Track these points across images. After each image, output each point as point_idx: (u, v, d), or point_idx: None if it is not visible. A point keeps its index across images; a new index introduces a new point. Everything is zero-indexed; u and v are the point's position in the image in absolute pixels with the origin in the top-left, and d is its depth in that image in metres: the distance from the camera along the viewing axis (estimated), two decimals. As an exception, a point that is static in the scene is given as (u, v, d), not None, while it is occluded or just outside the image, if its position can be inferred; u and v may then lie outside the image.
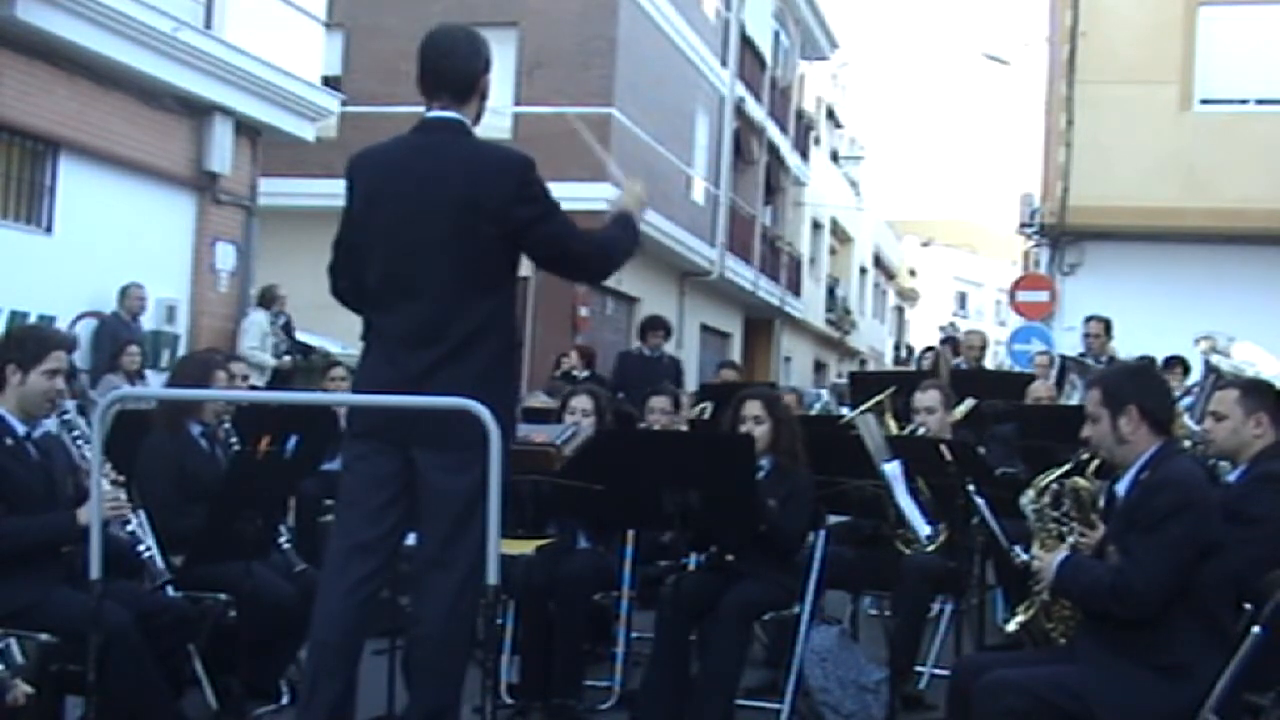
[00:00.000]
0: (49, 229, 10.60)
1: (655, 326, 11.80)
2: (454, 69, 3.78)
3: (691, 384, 14.48)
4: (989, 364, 21.91)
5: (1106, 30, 14.85)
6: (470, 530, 3.57)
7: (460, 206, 3.64)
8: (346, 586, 3.68)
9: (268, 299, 12.14)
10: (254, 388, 9.71)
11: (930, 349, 15.44)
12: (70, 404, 4.24)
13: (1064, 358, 9.85)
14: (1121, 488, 3.71)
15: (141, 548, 4.29)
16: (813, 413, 11.22)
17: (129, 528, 4.25)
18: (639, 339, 12.06)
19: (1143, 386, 3.77)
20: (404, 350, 3.68)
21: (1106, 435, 3.70)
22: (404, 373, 3.65)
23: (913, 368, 15.60)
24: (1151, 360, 9.24)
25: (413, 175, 3.70)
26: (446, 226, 3.64)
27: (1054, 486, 3.89)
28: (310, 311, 13.24)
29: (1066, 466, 3.89)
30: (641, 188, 4.06)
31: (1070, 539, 3.84)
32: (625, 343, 17.12)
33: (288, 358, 11.84)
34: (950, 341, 14.22)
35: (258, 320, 11.90)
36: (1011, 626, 3.92)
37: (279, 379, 11.64)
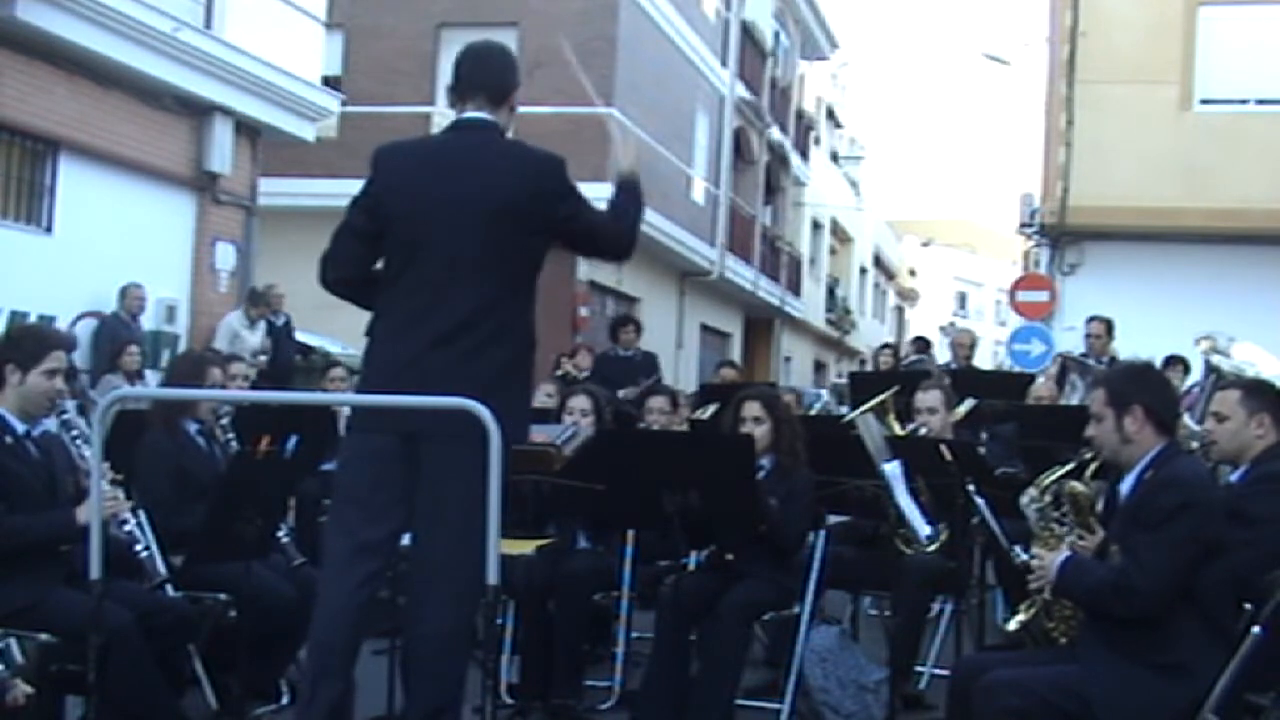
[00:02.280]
0: (49, 229, 10.60)
1: (625, 323, 11.71)
2: (491, 73, 3.83)
3: (692, 384, 14.47)
4: (989, 364, 21.91)
5: (1106, 30, 14.85)
6: (472, 529, 3.56)
7: (498, 203, 3.65)
8: (349, 587, 3.67)
9: (255, 299, 11.99)
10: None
11: (886, 346, 15.39)
12: (70, 404, 4.24)
13: (1064, 357, 9.83)
14: (1125, 487, 3.71)
15: (139, 547, 4.28)
16: (812, 413, 11.21)
17: (126, 527, 4.24)
18: (610, 339, 11.85)
19: (1148, 386, 3.77)
20: (428, 345, 3.66)
21: (1111, 435, 3.69)
22: (426, 367, 3.63)
23: (869, 367, 15.42)
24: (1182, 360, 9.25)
25: (447, 171, 3.70)
26: (482, 223, 3.65)
27: (1054, 487, 3.88)
28: (310, 311, 13.23)
29: (1070, 466, 3.88)
30: (633, 153, 4.08)
31: (1069, 539, 3.84)
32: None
33: (263, 357, 11.65)
34: (920, 341, 14.16)
35: (228, 323, 11.77)
36: (1012, 626, 3.92)
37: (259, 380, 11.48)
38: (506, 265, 3.71)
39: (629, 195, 3.95)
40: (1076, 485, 3.86)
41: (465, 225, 3.65)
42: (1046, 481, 3.89)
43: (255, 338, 11.71)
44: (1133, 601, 3.45)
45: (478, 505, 3.51)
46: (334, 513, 3.88)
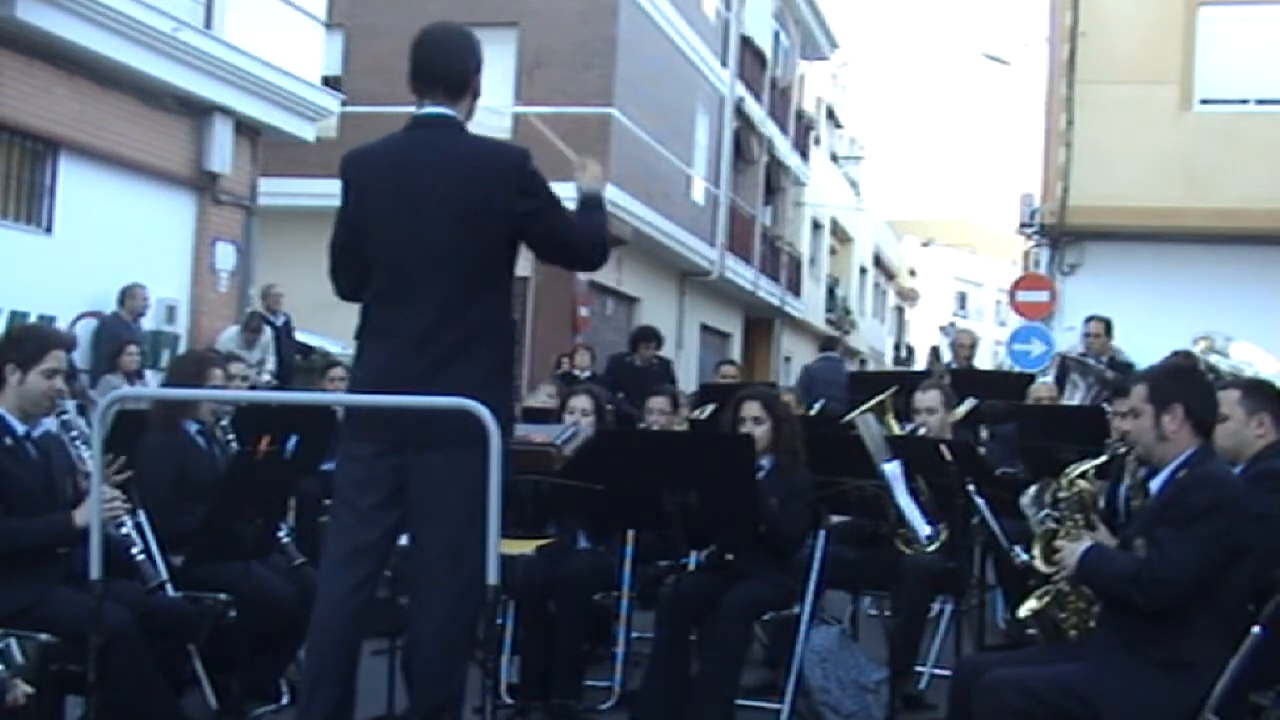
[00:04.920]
0: (49, 229, 10.61)
1: (647, 339, 11.73)
2: (447, 66, 3.75)
3: (691, 384, 14.48)
4: (989, 364, 21.96)
5: (1106, 30, 14.84)
6: (471, 530, 3.54)
7: (462, 202, 3.60)
8: (344, 591, 3.64)
9: (251, 322, 11.91)
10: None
11: (831, 340, 15.35)
12: (70, 404, 4.24)
13: (1064, 357, 9.81)
14: (1155, 485, 3.71)
15: (135, 550, 4.27)
16: (812, 413, 11.20)
17: (123, 530, 4.23)
18: (630, 349, 11.94)
19: (1190, 387, 3.77)
20: (407, 349, 3.63)
21: (1148, 431, 3.68)
22: (407, 371, 3.60)
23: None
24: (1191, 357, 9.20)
25: (410, 172, 3.65)
26: (448, 223, 3.60)
27: (1062, 484, 3.88)
28: (310, 311, 13.25)
29: (1097, 460, 3.87)
30: (596, 166, 3.94)
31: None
32: (625, 343, 17.15)
33: (266, 377, 11.62)
34: (826, 340, 14.16)
35: (225, 340, 11.75)
36: (1023, 612, 3.90)
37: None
38: (478, 264, 3.64)
39: (590, 212, 3.85)
40: (1081, 482, 3.86)
41: (432, 227, 3.60)
42: (1075, 473, 3.88)
43: (252, 359, 11.68)
44: (1151, 592, 3.44)
45: (471, 506, 3.49)
46: (331, 517, 3.88)
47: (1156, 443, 3.68)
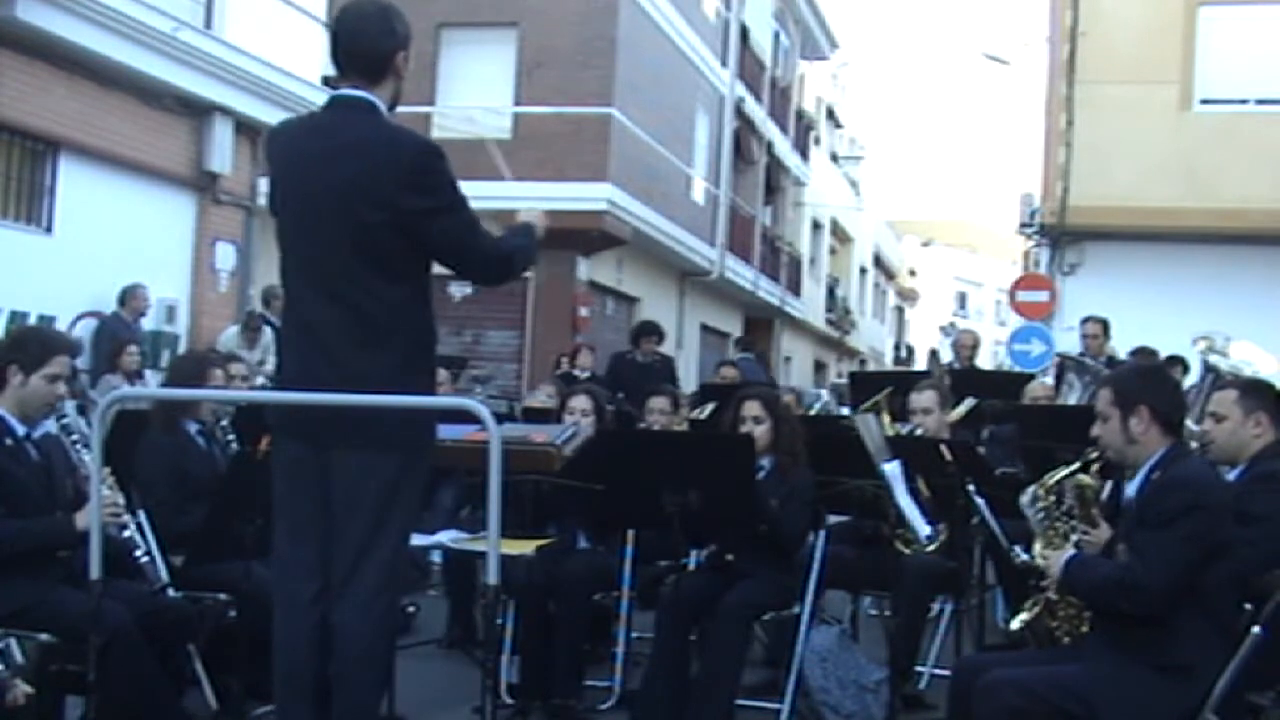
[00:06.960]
0: (49, 229, 10.62)
1: (649, 333, 11.70)
2: (363, 48, 3.53)
3: (692, 384, 14.48)
4: (989, 364, 22.00)
5: (1106, 30, 14.85)
6: (386, 532, 3.45)
7: (346, 189, 3.39)
8: (296, 612, 3.50)
9: (250, 321, 11.88)
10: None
11: (749, 341, 15.29)
12: (70, 406, 4.24)
13: (1063, 356, 9.82)
14: (1132, 488, 3.70)
15: (139, 552, 4.27)
16: (813, 413, 11.21)
17: (125, 533, 4.22)
18: (632, 344, 11.93)
19: (1155, 387, 3.75)
20: (311, 342, 3.49)
21: (1116, 435, 3.67)
22: (315, 366, 3.46)
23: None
24: (1153, 353, 9.25)
25: (308, 155, 3.49)
26: (335, 210, 3.41)
27: (1058, 486, 3.88)
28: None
29: (1074, 466, 3.87)
30: (541, 214, 3.85)
31: (1073, 537, 3.84)
32: (626, 343, 17.14)
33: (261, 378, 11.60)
34: (741, 340, 14.12)
35: (225, 340, 11.72)
36: (1015, 624, 3.91)
37: None
38: (374, 255, 3.42)
39: (523, 232, 3.74)
40: (1083, 478, 3.85)
41: (324, 215, 3.43)
42: (1051, 481, 3.88)
43: (252, 359, 11.66)
44: (1137, 599, 3.44)
45: (382, 510, 3.45)
46: (274, 528, 3.71)
47: (1127, 445, 3.66)
